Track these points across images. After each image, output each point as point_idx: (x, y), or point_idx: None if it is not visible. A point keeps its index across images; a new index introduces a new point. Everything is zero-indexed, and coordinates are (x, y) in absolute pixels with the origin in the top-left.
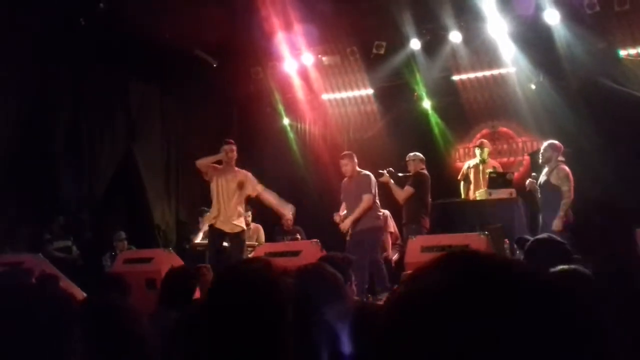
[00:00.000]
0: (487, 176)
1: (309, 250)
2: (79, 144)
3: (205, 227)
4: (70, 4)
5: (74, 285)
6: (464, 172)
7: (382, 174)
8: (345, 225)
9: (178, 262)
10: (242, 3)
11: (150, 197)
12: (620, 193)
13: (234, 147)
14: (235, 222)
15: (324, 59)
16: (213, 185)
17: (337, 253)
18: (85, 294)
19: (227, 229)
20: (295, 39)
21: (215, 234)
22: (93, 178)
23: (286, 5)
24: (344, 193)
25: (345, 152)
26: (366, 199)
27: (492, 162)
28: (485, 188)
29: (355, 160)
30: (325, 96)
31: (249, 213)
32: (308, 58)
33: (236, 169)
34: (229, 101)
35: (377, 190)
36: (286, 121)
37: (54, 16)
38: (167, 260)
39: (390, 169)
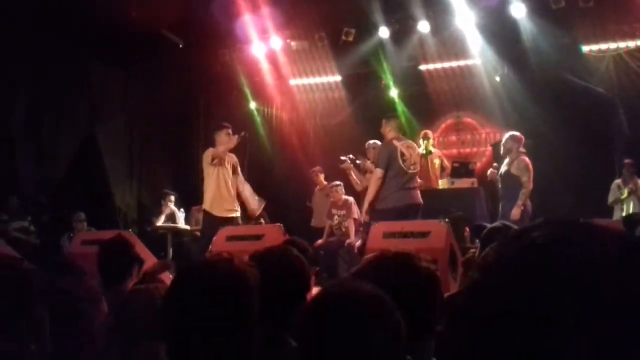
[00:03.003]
0: (437, 165)
1: (272, 234)
2: (39, 125)
3: (168, 210)
4: None
5: (32, 266)
6: None
7: (344, 161)
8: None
9: (138, 243)
10: None
11: (112, 179)
12: (582, 184)
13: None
14: (232, 207)
15: (293, 43)
16: (214, 171)
17: (298, 238)
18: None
19: (225, 214)
20: (263, 22)
21: (212, 221)
22: (52, 159)
23: None
24: None
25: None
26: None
27: (437, 153)
28: (435, 178)
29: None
30: (293, 81)
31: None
32: (276, 42)
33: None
34: (195, 83)
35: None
36: (253, 105)
37: None
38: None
39: (351, 155)
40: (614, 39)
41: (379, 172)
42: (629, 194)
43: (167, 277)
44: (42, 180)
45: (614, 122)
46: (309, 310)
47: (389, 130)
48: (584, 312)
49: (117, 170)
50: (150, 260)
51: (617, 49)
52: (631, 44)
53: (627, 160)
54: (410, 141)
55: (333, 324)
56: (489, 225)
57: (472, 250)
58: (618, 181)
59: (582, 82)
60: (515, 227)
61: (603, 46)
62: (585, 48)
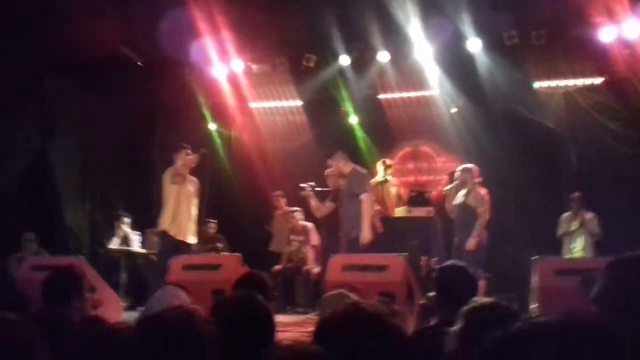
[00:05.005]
0: (393, 194)
1: (230, 265)
2: None
3: (122, 232)
4: None
5: None
6: None
7: (303, 188)
8: None
9: (88, 270)
10: (171, 4)
11: (64, 198)
12: (533, 215)
13: None
14: (190, 230)
15: (254, 67)
16: (175, 190)
17: (258, 272)
18: None
19: (182, 237)
20: (224, 44)
21: (169, 244)
22: (1, 177)
23: (215, 11)
24: None
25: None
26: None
27: (393, 181)
28: (391, 206)
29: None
30: (253, 104)
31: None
32: (237, 65)
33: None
34: (153, 102)
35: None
36: (213, 126)
37: None
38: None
39: (312, 183)
40: (564, 76)
41: (369, 196)
42: (580, 226)
43: (116, 307)
44: None
45: (563, 156)
46: None
47: (344, 161)
48: None
49: (69, 189)
50: (101, 287)
51: (567, 86)
52: (580, 82)
53: (575, 194)
54: None
55: None
56: (439, 266)
57: (430, 294)
58: (567, 214)
59: (534, 116)
60: (462, 264)
61: (553, 83)
62: (537, 84)
